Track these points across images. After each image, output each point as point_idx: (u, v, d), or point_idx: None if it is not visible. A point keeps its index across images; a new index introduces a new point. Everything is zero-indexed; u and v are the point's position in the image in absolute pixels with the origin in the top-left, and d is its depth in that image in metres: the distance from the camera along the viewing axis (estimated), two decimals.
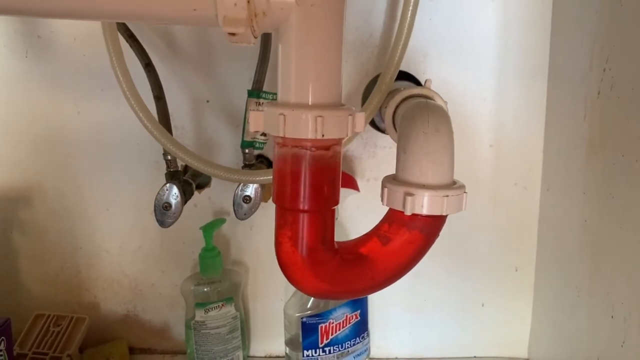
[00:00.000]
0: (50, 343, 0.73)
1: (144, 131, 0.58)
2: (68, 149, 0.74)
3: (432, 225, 0.39)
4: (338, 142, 0.37)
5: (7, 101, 0.72)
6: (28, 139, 0.74)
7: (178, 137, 0.65)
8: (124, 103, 0.57)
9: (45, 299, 0.79)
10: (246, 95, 0.63)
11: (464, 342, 0.78)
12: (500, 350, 0.78)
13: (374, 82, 0.66)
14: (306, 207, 0.37)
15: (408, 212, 0.37)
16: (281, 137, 0.36)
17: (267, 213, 0.71)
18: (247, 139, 0.62)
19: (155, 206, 0.61)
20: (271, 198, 0.72)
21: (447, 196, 0.38)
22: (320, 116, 0.34)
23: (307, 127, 0.34)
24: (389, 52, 0.59)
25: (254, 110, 0.36)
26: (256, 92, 0.61)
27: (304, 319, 0.68)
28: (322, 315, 0.68)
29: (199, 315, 0.71)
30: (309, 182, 0.36)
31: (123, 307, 0.80)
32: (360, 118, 0.37)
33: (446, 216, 0.40)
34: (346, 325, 0.70)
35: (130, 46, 0.63)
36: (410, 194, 0.37)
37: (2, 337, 0.60)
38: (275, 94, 0.39)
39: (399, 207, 0.38)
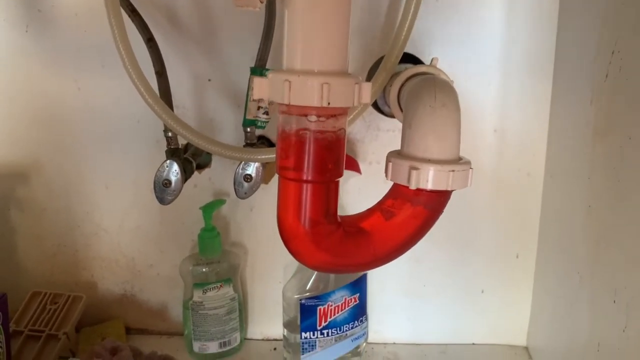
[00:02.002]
0: (47, 321, 0.72)
1: (144, 109, 0.57)
2: (67, 126, 0.73)
3: (437, 201, 0.38)
4: (344, 111, 0.36)
5: (7, 76, 0.71)
6: (27, 114, 0.73)
7: (179, 117, 0.64)
8: (125, 80, 0.56)
9: (42, 277, 0.78)
10: (248, 75, 0.62)
11: (463, 328, 0.78)
12: (499, 338, 0.78)
13: (378, 63, 0.65)
14: (310, 178, 0.36)
15: (413, 187, 0.37)
16: (286, 105, 0.35)
17: (268, 195, 0.71)
18: (249, 117, 0.61)
19: (155, 183, 0.61)
20: (272, 178, 0.73)
21: (453, 171, 0.37)
22: (326, 83, 0.33)
23: (312, 95, 0.33)
24: (394, 31, 0.58)
25: (257, 77, 0.35)
26: (259, 69, 0.60)
27: (303, 301, 0.67)
28: (321, 298, 0.67)
29: (197, 295, 0.71)
30: (313, 152, 0.36)
31: (120, 287, 0.79)
32: (367, 88, 0.36)
33: (451, 192, 0.39)
34: (345, 308, 0.69)
35: (132, 21, 0.62)
36: (415, 168, 0.37)
37: None
38: None
39: (403, 182, 0.37)
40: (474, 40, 0.68)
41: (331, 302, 0.68)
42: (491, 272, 0.76)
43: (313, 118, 0.35)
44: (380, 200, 0.40)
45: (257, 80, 0.35)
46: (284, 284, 0.74)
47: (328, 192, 0.38)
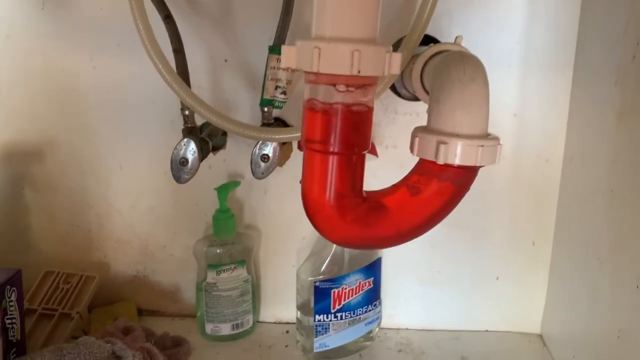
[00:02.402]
0: (60, 300, 0.72)
1: (160, 89, 0.57)
2: (83, 105, 0.73)
3: (464, 177, 0.38)
4: (373, 81, 0.36)
5: (23, 53, 0.71)
6: (42, 92, 0.72)
7: None
8: (141, 59, 0.55)
9: (55, 256, 0.78)
10: (265, 56, 0.62)
11: (476, 315, 0.77)
12: (513, 325, 0.77)
13: (397, 45, 0.64)
14: (336, 149, 0.36)
15: (440, 162, 0.36)
16: (314, 74, 0.34)
17: (282, 177, 0.71)
18: (267, 97, 0.61)
19: (172, 161, 0.60)
20: (287, 160, 0.73)
21: (482, 146, 0.36)
22: (357, 50, 0.32)
23: (343, 62, 0.33)
24: (416, 11, 0.57)
25: (285, 45, 0.34)
26: (278, 48, 0.59)
27: (317, 284, 0.67)
28: (335, 281, 0.67)
29: (211, 276, 0.71)
30: (340, 123, 0.35)
31: (133, 268, 0.79)
32: (397, 58, 0.35)
33: (478, 168, 0.38)
34: (359, 291, 0.69)
35: None
36: (443, 143, 0.36)
37: (13, 288, 0.59)
38: None
39: (430, 157, 0.37)
40: (494, 21, 0.67)
41: (345, 285, 0.68)
42: (506, 259, 0.75)
43: (342, 87, 0.34)
44: (406, 176, 0.39)
45: (286, 49, 0.35)
46: (297, 267, 0.73)
47: (355, 165, 0.37)
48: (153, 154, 0.74)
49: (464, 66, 0.38)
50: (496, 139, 0.38)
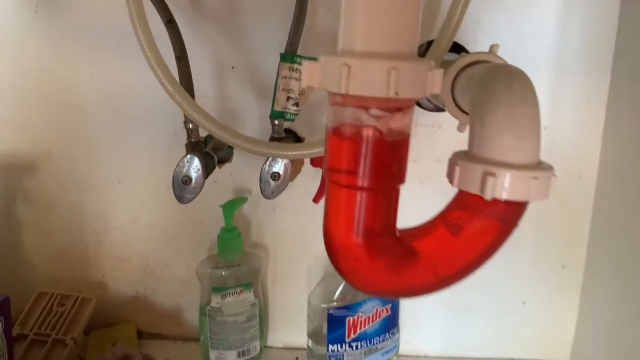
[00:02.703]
0: (54, 324, 0.68)
1: (162, 97, 0.52)
2: (80, 114, 0.68)
3: (513, 214, 0.32)
4: (411, 104, 0.30)
5: (16, 59, 0.67)
6: (36, 101, 0.68)
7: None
8: (142, 66, 0.50)
9: (49, 276, 0.74)
10: (276, 63, 0.57)
11: (501, 342, 0.72)
12: (540, 354, 0.72)
13: (419, 52, 0.59)
14: (366, 185, 0.30)
15: (488, 197, 0.31)
16: (341, 96, 0.29)
17: (293, 193, 0.66)
18: (278, 109, 0.56)
19: (174, 180, 0.55)
20: (298, 175, 0.68)
21: (536, 178, 0.31)
22: (394, 69, 0.27)
23: (378, 83, 0.27)
24: (446, 16, 0.52)
25: (307, 61, 0.29)
26: (290, 55, 0.54)
27: (331, 311, 0.62)
28: (350, 308, 0.62)
29: (216, 301, 0.66)
30: (372, 153, 0.30)
31: (133, 288, 0.75)
32: (439, 76, 0.30)
33: (527, 204, 0.33)
34: (376, 319, 0.64)
35: (151, 1, 0.56)
36: (492, 174, 0.30)
37: (1, 318, 0.54)
38: (313, 58, 0.32)
39: (474, 190, 0.31)
40: (525, 27, 0.62)
41: (362, 313, 0.62)
42: (534, 282, 0.70)
43: (375, 112, 0.29)
44: (444, 212, 0.34)
45: (307, 66, 0.29)
46: (308, 289, 0.69)
47: (389, 201, 0.32)
48: (154, 167, 0.69)
49: (512, 83, 0.33)
50: (550, 169, 0.33)
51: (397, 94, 0.27)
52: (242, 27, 0.64)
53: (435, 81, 0.30)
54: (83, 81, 0.66)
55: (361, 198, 0.31)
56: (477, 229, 0.32)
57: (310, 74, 0.29)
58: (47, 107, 0.68)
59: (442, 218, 0.33)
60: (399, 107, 0.29)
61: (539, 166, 0.32)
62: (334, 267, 0.33)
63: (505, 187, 0.31)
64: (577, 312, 0.70)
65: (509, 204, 0.31)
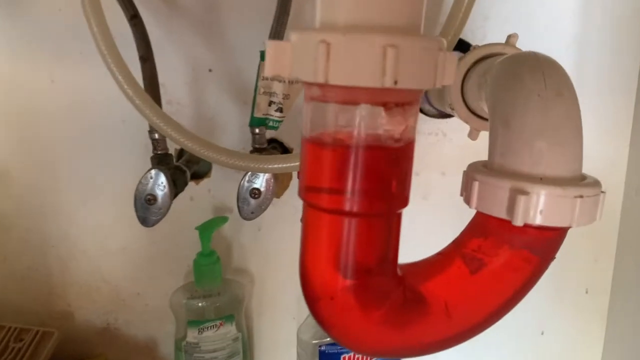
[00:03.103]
0: None
1: (131, 106, 0.46)
2: (39, 127, 0.62)
3: (550, 243, 0.25)
4: (415, 98, 0.23)
5: None
6: None
7: (172, 115, 0.53)
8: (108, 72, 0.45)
9: (8, 305, 0.68)
10: (257, 62, 0.50)
11: None
12: None
13: None
14: (356, 208, 0.23)
15: (519, 222, 0.23)
16: (319, 86, 0.21)
17: (279, 211, 0.61)
18: (258, 115, 0.48)
19: (135, 199, 0.48)
20: (285, 190, 0.61)
21: (581, 197, 0.23)
22: (392, 46, 0.19)
23: (369, 67, 0.20)
24: (450, 10, 0.45)
25: (272, 41, 0.21)
26: None
27: (322, 348, 0.54)
28: None
29: (192, 335, 0.59)
30: (364, 165, 0.22)
31: (102, 319, 0.68)
32: (452, 61, 0.22)
33: (567, 230, 0.25)
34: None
35: None
36: (523, 192, 0.23)
37: None
38: None
39: (499, 213, 0.24)
40: (539, 21, 0.56)
41: None
42: (554, 310, 0.64)
43: (366, 109, 0.21)
44: (459, 241, 0.26)
45: (273, 46, 0.21)
46: (297, 320, 0.63)
47: (387, 229, 0.24)
48: (124, 185, 0.61)
49: (543, 74, 0.25)
50: (597, 184, 0.25)
51: (395, 82, 0.20)
52: (220, 26, 0.58)
53: (448, 67, 0.22)
54: (42, 89, 0.60)
55: (349, 226, 0.23)
56: (503, 263, 0.24)
57: (276, 58, 0.21)
58: (1, 117, 0.61)
59: (458, 249, 0.25)
60: (399, 101, 0.21)
61: (583, 180, 0.25)
62: (314, 318, 0.26)
63: (540, 208, 0.23)
64: (602, 342, 0.64)
65: (544, 230, 0.24)
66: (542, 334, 0.64)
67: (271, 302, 0.66)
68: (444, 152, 0.60)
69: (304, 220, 0.25)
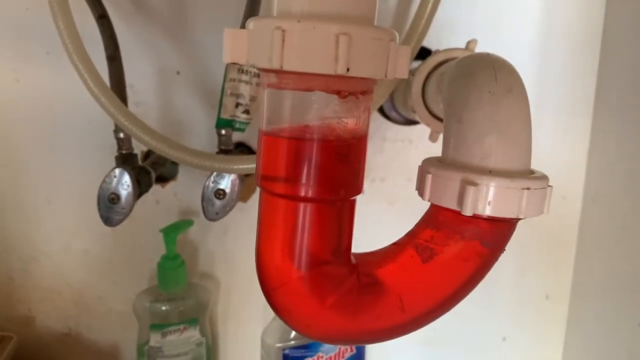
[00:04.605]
0: None
1: (98, 107, 0.45)
2: (2, 126, 0.61)
3: (499, 234, 0.26)
4: (368, 88, 0.23)
5: None
6: None
7: (139, 116, 0.52)
8: (75, 70, 0.44)
9: None
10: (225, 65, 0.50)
11: None
12: None
13: None
14: (312, 194, 0.23)
15: (468, 212, 0.24)
16: (275, 72, 0.22)
17: (246, 215, 0.61)
18: (225, 116, 0.49)
19: (99, 197, 0.47)
20: (252, 195, 0.61)
21: (528, 189, 0.24)
22: (344, 34, 0.20)
23: (322, 53, 0.20)
24: (412, 18, 0.46)
25: (230, 29, 0.21)
26: None
27: (286, 351, 0.54)
28: (309, 347, 0.55)
29: (155, 339, 0.58)
30: (319, 153, 0.22)
31: (64, 324, 0.67)
32: (405, 54, 0.23)
33: (517, 221, 0.26)
34: (339, 359, 0.56)
35: None
36: (472, 183, 0.24)
37: None
38: None
39: (450, 204, 0.24)
40: (504, 31, 0.58)
41: (322, 352, 0.55)
42: (514, 316, 0.65)
43: (320, 96, 0.22)
44: (413, 232, 0.27)
45: (230, 34, 0.22)
46: (263, 325, 0.62)
47: (340, 216, 0.25)
48: (88, 186, 0.60)
49: (495, 72, 0.26)
50: (544, 178, 0.26)
51: (348, 69, 0.20)
52: (189, 28, 0.58)
53: (400, 59, 0.23)
54: (7, 88, 0.59)
55: (303, 212, 0.24)
56: (454, 253, 0.25)
57: (233, 45, 0.22)
58: None
59: (411, 239, 0.26)
60: (352, 90, 0.22)
61: (531, 174, 0.25)
62: (268, 304, 0.26)
63: (489, 199, 0.24)
64: (561, 347, 0.65)
65: (493, 221, 0.24)
66: (504, 339, 0.65)
67: (237, 307, 0.65)
68: (410, 158, 0.60)
69: (260, 206, 0.25)
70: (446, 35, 0.57)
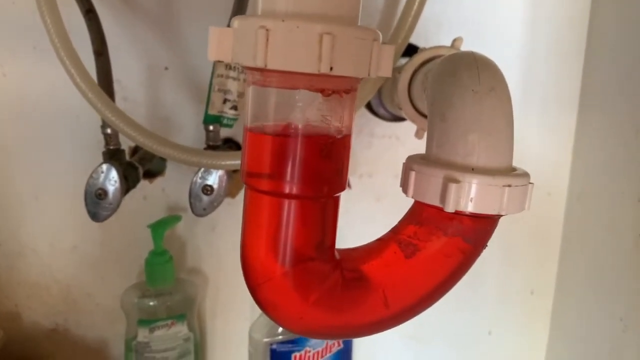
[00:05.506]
0: None
1: (85, 102, 0.45)
2: None
3: (481, 231, 0.26)
4: (352, 87, 0.23)
5: None
6: None
7: (127, 112, 0.52)
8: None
9: None
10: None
11: None
12: None
13: None
14: (296, 191, 0.23)
15: (450, 209, 0.24)
16: (259, 71, 0.22)
17: (234, 211, 0.61)
18: (212, 112, 0.49)
19: (86, 193, 0.47)
20: (240, 191, 0.61)
21: (509, 186, 0.24)
22: (328, 33, 0.20)
23: (306, 52, 0.20)
24: (399, 16, 0.46)
25: (215, 27, 0.22)
26: None
27: (274, 346, 0.54)
28: (297, 342, 0.55)
29: (143, 334, 0.58)
30: (303, 149, 0.23)
31: (51, 320, 0.66)
32: (388, 53, 0.23)
33: (499, 218, 0.27)
34: (327, 354, 0.56)
35: None
36: (455, 181, 0.24)
37: None
38: None
39: (433, 201, 0.25)
40: (490, 29, 0.58)
41: (309, 347, 0.55)
42: (500, 310, 0.66)
43: (304, 94, 0.22)
44: (396, 228, 0.27)
45: (215, 32, 0.22)
46: (251, 320, 0.62)
47: (324, 213, 0.25)
48: (76, 182, 0.60)
49: (478, 71, 0.27)
50: (526, 175, 0.26)
51: (331, 68, 0.21)
52: (177, 23, 0.57)
53: (384, 58, 0.23)
54: None
55: (288, 209, 0.24)
56: (436, 249, 0.25)
57: (218, 43, 0.22)
58: None
59: (395, 235, 0.26)
60: (336, 89, 0.22)
61: (512, 172, 0.26)
62: (253, 299, 0.26)
63: (471, 196, 0.24)
64: (546, 342, 0.65)
65: (475, 218, 0.25)
66: (490, 333, 0.66)
67: (225, 302, 0.65)
68: (398, 155, 0.61)
69: (245, 203, 0.26)
70: (434, 32, 0.57)
